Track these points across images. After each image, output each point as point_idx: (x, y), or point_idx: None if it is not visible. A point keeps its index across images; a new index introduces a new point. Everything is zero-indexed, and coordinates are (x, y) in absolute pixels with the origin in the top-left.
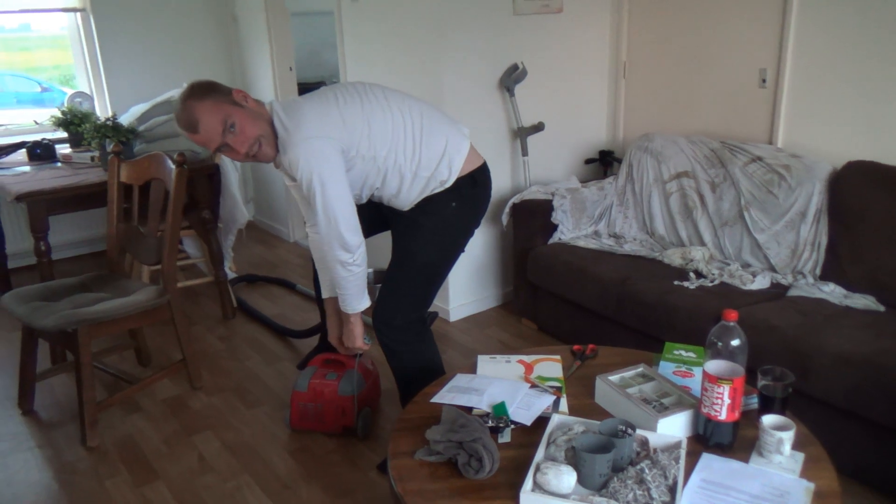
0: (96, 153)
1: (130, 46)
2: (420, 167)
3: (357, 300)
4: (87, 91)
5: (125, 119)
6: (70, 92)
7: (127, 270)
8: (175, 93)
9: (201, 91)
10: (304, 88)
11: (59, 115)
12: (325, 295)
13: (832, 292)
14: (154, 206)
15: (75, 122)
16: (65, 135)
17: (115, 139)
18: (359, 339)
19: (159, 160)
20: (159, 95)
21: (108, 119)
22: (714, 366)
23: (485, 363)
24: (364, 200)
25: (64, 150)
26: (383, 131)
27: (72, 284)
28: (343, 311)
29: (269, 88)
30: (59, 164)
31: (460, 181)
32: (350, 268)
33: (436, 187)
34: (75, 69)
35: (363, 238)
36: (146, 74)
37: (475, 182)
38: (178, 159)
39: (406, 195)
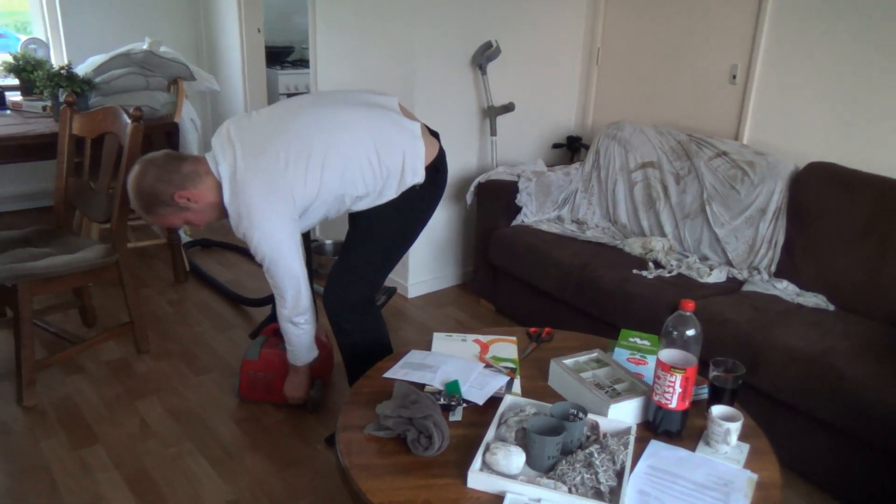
0: (48, 103)
1: None
2: (385, 186)
3: (307, 353)
4: (43, 38)
5: (82, 69)
6: (24, 38)
7: (76, 228)
8: (136, 46)
9: (146, 205)
10: (273, 53)
11: (10, 60)
12: None
13: (785, 289)
14: (107, 161)
15: (28, 70)
16: (16, 82)
17: (69, 89)
18: (303, 389)
19: (114, 113)
20: (119, 48)
21: (62, 68)
22: (668, 354)
23: (440, 341)
24: (332, 219)
25: (14, 97)
26: (340, 175)
27: (14, 238)
28: (290, 363)
29: (236, 50)
30: (7, 112)
31: (425, 170)
32: (302, 326)
33: (404, 189)
34: (31, 15)
35: (312, 303)
36: (106, 24)
37: (437, 169)
38: (135, 114)
39: (375, 204)
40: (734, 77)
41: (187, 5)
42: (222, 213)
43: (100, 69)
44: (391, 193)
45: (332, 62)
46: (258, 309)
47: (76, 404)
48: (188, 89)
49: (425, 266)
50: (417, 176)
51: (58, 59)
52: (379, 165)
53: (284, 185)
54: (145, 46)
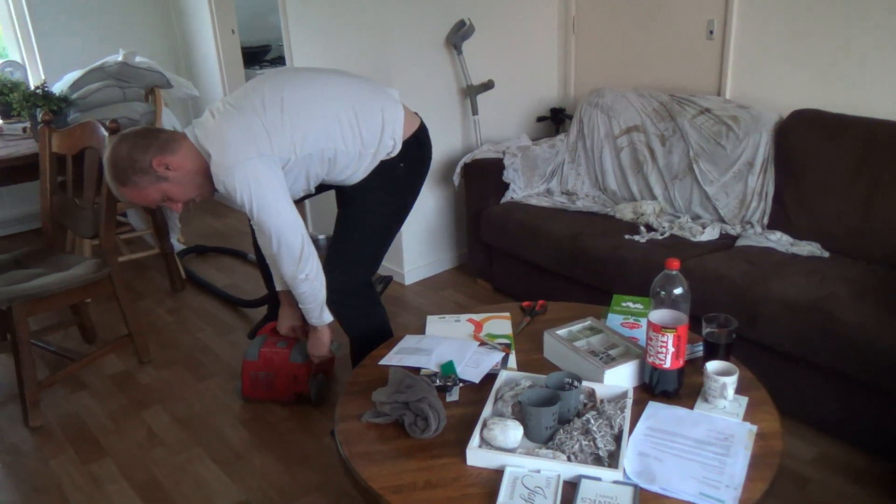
0: (27, 124)
1: (63, 11)
2: (364, 146)
3: (324, 311)
4: (19, 60)
5: (58, 87)
6: (0, 62)
7: (69, 246)
8: (110, 58)
9: (122, 175)
10: (249, 53)
11: None
12: (278, 287)
13: (779, 241)
14: (89, 176)
15: (4, 92)
16: None
17: (46, 108)
18: (325, 347)
19: (91, 128)
20: (96, 62)
21: (37, 87)
22: (658, 315)
23: (434, 323)
24: (313, 191)
25: None
26: (315, 128)
27: (4, 261)
28: (309, 323)
29: (212, 53)
30: None
31: (406, 144)
32: (309, 282)
33: (384, 158)
34: (5, 38)
35: (314, 249)
36: (81, 41)
37: (420, 143)
38: (112, 126)
39: (355, 174)
40: (711, 32)
41: (159, 14)
42: (203, 184)
43: (76, 85)
44: (369, 159)
45: (308, 56)
46: (257, 310)
47: (82, 420)
48: (167, 97)
49: (420, 251)
50: (397, 141)
51: (35, 80)
52: (356, 120)
53: (260, 125)
54: (120, 58)
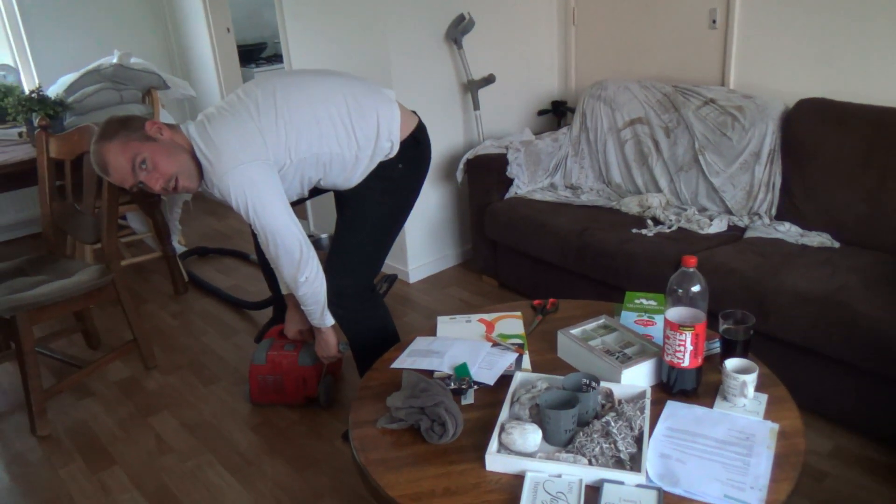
0: (23, 129)
1: (55, 13)
2: (360, 148)
3: (325, 313)
4: (12, 64)
5: (53, 91)
6: None
7: (70, 251)
8: (105, 60)
9: (111, 130)
10: (245, 51)
11: None
12: (283, 291)
13: (788, 231)
14: (88, 181)
15: None
16: None
17: (42, 113)
18: (333, 348)
19: (89, 132)
20: (90, 64)
21: (32, 92)
22: (675, 313)
23: (444, 324)
24: (307, 195)
25: None
26: (309, 130)
27: (7, 269)
28: (312, 324)
29: (208, 53)
30: None
31: (404, 144)
32: (309, 284)
33: (382, 159)
34: None
35: (313, 251)
36: (74, 43)
37: (418, 142)
38: None
39: (352, 177)
40: (714, 21)
41: (153, 14)
42: (188, 166)
43: (71, 88)
44: (366, 162)
45: (306, 53)
46: (262, 312)
47: (90, 428)
48: (164, 98)
49: (424, 249)
50: (394, 142)
51: (29, 83)
52: (351, 122)
53: (255, 129)
54: (115, 60)
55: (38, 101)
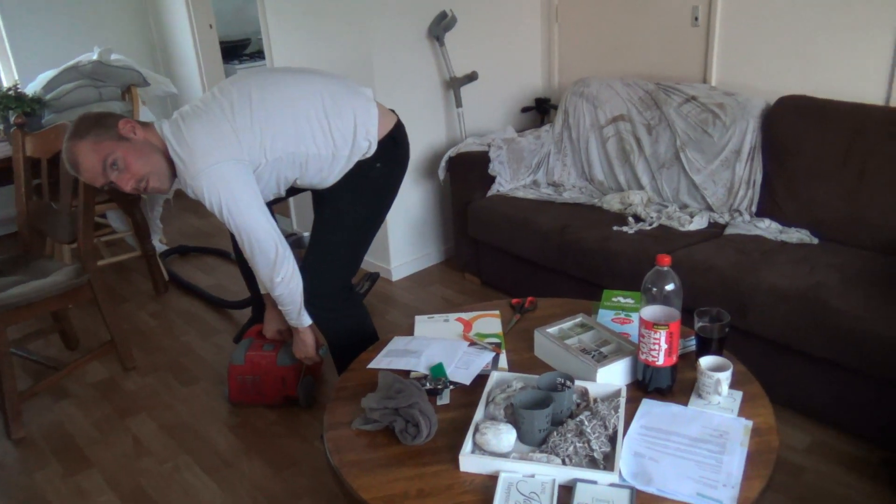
0: (0, 126)
1: (35, 8)
2: (336, 148)
3: (302, 313)
4: None
5: (32, 88)
6: None
7: (49, 251)
8: (85, 57)
9: (83, 128)
10: (228, 47)
11: None
12: (262, 290)
13: (768, 228)
14: (65, 180)
15: None
16: None
17: (19, 110)
18: (311, 348)
19: (65, 130)
20: (70, 61)
21: (9, 89)
22: (650, 311)
23: (422, 324)
24: (284, 194)
25: None
26: (285, 130)
27: None
28: (292, 326)
29: (190, 50)
30: None
31: (382, 143)
32: (285, 283)
33: (359, 159)
34: None
35: (289, 251)
36: (54, 39)
37: (396, 142)
38: None
39: (329, 177)
40: (696, 19)
41: (134, 9)
42: (160, 167)
43: (49, 85)
44: (343, 161)
45: (288, 49)
46: (243, 312)
47: (66, 430)
48: (145, 95)
49: (406, 247)
50: (372, 141)
51: (7, 81)
52: (328, 122)
53: (229, 128)
54: (95, 56)
55: (15, 99)
